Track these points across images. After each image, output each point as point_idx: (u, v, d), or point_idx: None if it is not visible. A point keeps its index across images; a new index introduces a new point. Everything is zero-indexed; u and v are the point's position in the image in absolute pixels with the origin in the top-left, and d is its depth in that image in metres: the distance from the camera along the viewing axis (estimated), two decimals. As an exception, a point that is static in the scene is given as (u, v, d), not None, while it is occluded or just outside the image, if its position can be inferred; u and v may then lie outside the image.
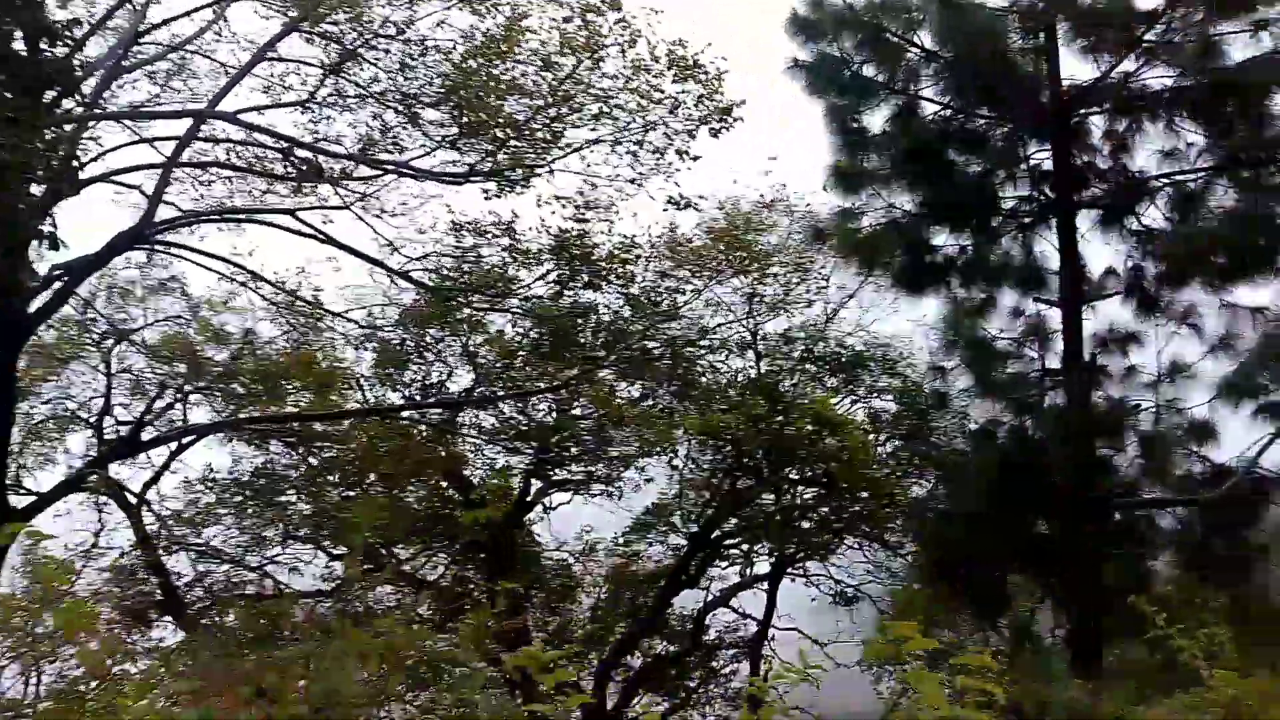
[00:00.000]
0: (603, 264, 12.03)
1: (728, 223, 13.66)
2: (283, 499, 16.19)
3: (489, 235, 11.47)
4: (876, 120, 10.38)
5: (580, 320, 12.81)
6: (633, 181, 10.88)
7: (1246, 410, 9.50)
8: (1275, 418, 9.32)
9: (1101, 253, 10.31)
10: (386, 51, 9.66)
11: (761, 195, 14.35)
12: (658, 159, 10.78)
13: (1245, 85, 8.63)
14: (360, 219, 10.31)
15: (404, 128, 9.94)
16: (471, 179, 10.01)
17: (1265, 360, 9.43)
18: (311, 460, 15.64)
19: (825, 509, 14.82)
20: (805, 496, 15.30)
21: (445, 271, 11.40)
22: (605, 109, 10.09)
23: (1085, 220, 10.09)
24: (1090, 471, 9.86)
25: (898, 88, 10.11)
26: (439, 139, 9.96)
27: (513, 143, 9.77)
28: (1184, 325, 10.09)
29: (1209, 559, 9.87)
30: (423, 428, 14.55)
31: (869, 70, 10.14)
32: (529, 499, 15.21)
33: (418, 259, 10.47)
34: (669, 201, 11.47)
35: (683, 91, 10.59)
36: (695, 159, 10.96)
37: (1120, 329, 10.43)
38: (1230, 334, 9.75)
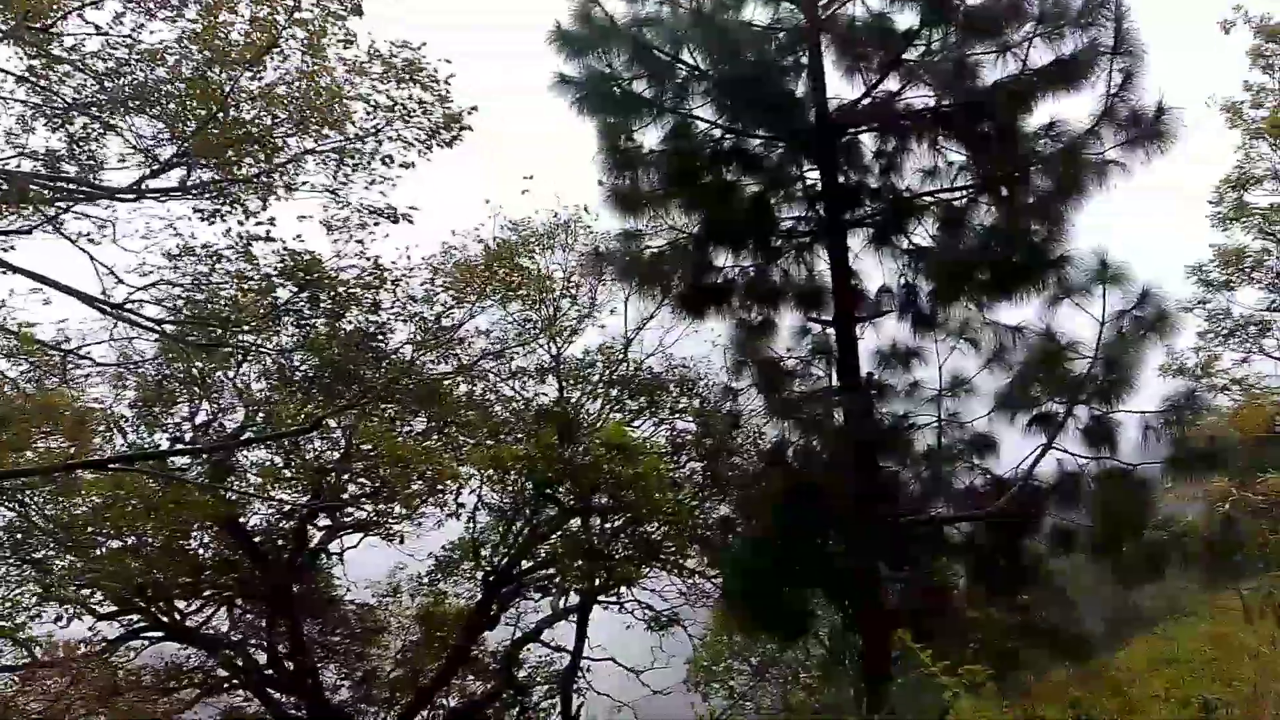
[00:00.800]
0: (346, 288, 11.16)
1: (502, 245, 13.04)
2: (39, 555, 14.65)
3: (217, 260, 10.41)
4: (651, 138, 10.01)
5: (355, 350, 11.88)
6: (332, 192, 10.02)
7: (1022, 422, 9.67)
8: (1046, 428, 9.48)
9: (879, 271, 10.35)
10: (94, 54, 8.52)
11: (555, 215, 13.88)
12: (356, 166, 9.99)
13: (995, 106, 8.69)
14: (75, 245, 9.06)
15: (96, 140, 8.81)
16: (149, 195, 8.92)
17: (1034, 373, 9.59)
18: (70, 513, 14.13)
19: (625, 536, 14.40)
20: (609, 524, 14.86)
21: (178, 303, 10.23)
22: (319, 116, 9.22)
23: (860, 239, 10.05)
24: (875, 489, 9.78)
25: (669, 105, 9.72)
26: (145, 152, 8.86)
27: (229, 154, 8.77)
28: (962, 340, 10.21)
29: (992, 571, 9.98)
30: (195, 472, 13.24)
31: (639, 87, 9.71)
32: (312, 544, 14.10)
33: (141, 289, 9.31)
34: (373, 212, 10.69)
35: (408, 98, 9.88)
36: (406, 167, 10.23)
37: (901, 346, 10.48)
38: (1003, 348, 9.90)
